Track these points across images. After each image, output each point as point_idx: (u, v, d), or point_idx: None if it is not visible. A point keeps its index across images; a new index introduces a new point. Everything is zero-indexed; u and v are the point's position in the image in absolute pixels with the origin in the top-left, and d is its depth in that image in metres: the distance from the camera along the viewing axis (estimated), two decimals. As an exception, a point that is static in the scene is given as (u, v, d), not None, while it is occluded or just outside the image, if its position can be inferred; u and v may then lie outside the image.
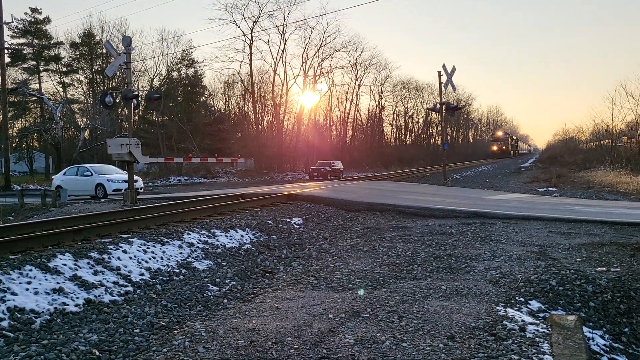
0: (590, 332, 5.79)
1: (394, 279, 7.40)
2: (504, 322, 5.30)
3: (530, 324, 5.32)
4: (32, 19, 60.75)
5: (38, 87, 59.43)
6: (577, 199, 19.81)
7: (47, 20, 61.60)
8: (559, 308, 6.26)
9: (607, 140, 51.98)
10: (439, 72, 28.74)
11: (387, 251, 9.40)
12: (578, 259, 8.23)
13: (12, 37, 58.38)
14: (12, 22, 41.32)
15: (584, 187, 26.99)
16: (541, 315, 5.92)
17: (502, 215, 13.26)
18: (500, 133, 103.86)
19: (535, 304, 6.23)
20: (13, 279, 6.19)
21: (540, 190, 25.91)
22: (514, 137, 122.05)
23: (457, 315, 5.55)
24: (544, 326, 5.28)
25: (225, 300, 6.79)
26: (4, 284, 6.00)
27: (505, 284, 6.91)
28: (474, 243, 9.94)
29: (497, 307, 5.83)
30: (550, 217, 12.66)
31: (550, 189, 26.43)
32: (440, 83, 29.07)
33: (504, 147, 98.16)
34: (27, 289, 6.08)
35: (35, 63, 61.03)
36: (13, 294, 5.87)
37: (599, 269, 7.59)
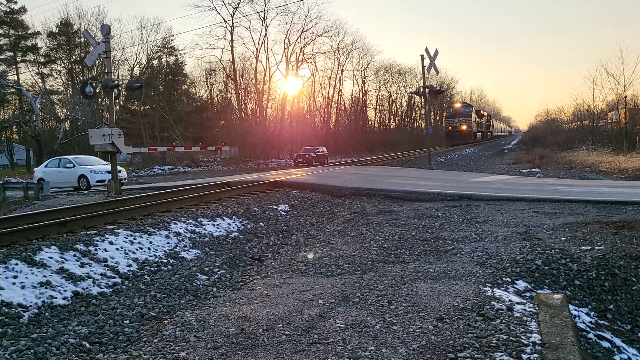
0: (576, 310, 5.88)
1: (382, 263, 7.45)
2: (491, 302, 5.37)
3: (518, 303, 5.40)
4: (8, 9, 59.54)
5: (16, 79, 58.45)
6: (560, 179, 20.05)
7: (23, 10, 60.45)
8: (545, 287, 6.35)
9: (588, 121, 52.57)
10: (422, 56, 28.73)
11: (374, 235, 9.44)
12: (563, 239, 8.35)
13: (-13, 27, 57.22)
14: (-13, 12, 40.37)
15: (566, 168, 27.33)
16: (528, 294, 6.00)
17: (487, 197, 13.38)
18: (458, 105, 68.86)
19: (521, 284, 6.32)
20: (-1, 274, 6.13)
21: (523, 171, 26.18)
22: (485, 113, 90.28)
23: (446, 297, 5.61)
24: (531, 305, 5.36)
25: (215, 289, 6.79)
26: (-11, 279, 5.94)
27: (491, 264, 6.99)
28: (460, 225, 10.03)
29: (485, 288, 5.90)
30: (534, 198, 12.80)
31: (534, 170, 26.72)
32: (423, 67, 29.08)
33: (465, 127, 65.64)
34: (14, 283, 6.02)
35: (12, 54, 59.94)
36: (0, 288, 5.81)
37: (583, 247, 7.70)
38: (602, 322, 5.92)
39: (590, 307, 6.15)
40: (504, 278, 6.39)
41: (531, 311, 5.15)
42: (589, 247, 7.68)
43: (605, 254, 7.28)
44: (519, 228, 9.36)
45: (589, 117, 51.53)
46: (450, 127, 67.20)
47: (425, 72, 29.32)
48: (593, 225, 9.34)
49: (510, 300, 5.48)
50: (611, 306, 6.23)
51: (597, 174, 23.33)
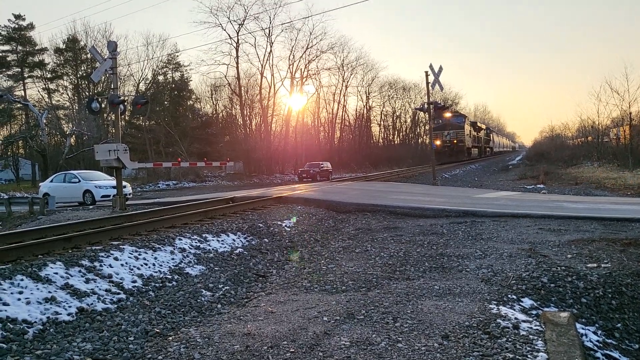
0: (583, 329, 5.84)
1: (387, 280, 7.42)
2: (497, 320, 5.34)
3: (524, 321, 5.37)
4: (16, 26, 60.25)
5: (23, 94, 58.93)
6: (566, 196, 19.99)
7: (31, 26, 61.14)
8: (551, 305, 6.31)
9: (592, 137, 52.52)
10: (426, 72, 28.85)
11: (379, 252, 9.42)
12: (568, 256, 8.31)
13: (-5, 44, 57.85)
14: (-4, 29, 40.88)
15: (571, 184, 27.24)
16: (534, 312, 5.97)
17: (491, 214, 13.34)
18: (448, 115, 55.34)
19: (527, 302, 6.28)
20: (4, 289, 6.13)
21: (528, 187, 26.11)
22: (483, 126, 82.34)
23: (451, 315, 5.58)
24: (537, 323, 5.33)
25: (219, 305, 6.78)
26: (-5, 294, 5.95)
27: (497, 281, 6.96)
28: (465, 242, 10.00)
29: (490, 305, 5.87)
30: (540, 215, 12.76)
31: (539, 186, 26.65)
32: (427, 83, 29.18)
33: (456, 141, 57.73)
34: (19, 299, 6.03)
35: (19, 70, 60.53)
36: (5, 304, 5.82)
37: (589, 265, 7.66)
38: (609, 341, 5.86)
39: (597, 325, 6.10)
40: (509, 295, 6.36)
41: (537, 329, 5.12)
42: (595, 265, 7.64)
43: (612, 272, 7.24)
44: (524, 245, 9.32)
45: (594, 133, 51.49)
46: (438, 142, 54.59)
47: (430, 88, 29.42)
48: (599, 242, 9.29)
49: (516, 318, 5.45)
50: (619, 325, 6.18)
51: (603, 191, 23.25)
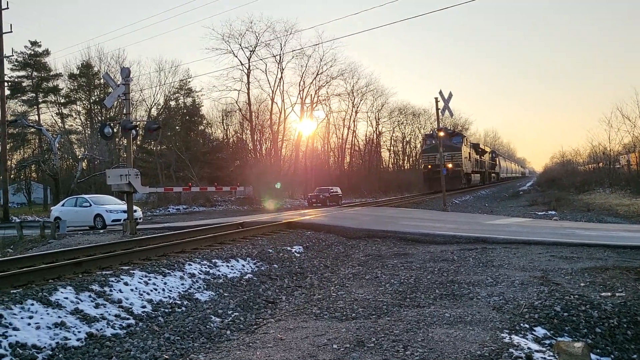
0: (598, 359, 5.74)
1: (397, 307, 7.36)
2: (509, 349, 5.26)
3: (537, 351, 5.29)
4: (32, 52, 61.43)
5: (37, 119, 59.80)
6: (578, 223, 19.81)
7: (47, 52, 62.29)
8: (564, 334, 6.21)
9: (603, 163, 52.24)
10: (436, 98, 28.98)
11: (389, 279, 9.35)
12: (582, 284, 8.20)
13: (12, 69, 58.99)
14: (13, 55, 41.76)
15: (583, 210, 27.00)
16: (547, 342, 5.87)
17: (502, 240, 13.24)
18: (442, 134, 32.59)
19: (540, 331, 6.19)
20: (15, 314, 6.15)
21: (539, 214, 25.92)
22: (488, 149, 72.17)
23: (462, 343, 5.51)
24: (551, 353, 5.24)
25: (229, 332, 6.74)
26: (5, 319, 5.96)
27: (508, 310, 6.88)
28: (475, 269, 9.91)
29: (502, 334, 5.79)
30: (552, 242, 12.64)
31: (550, 212, 26.44)
32: (437, 109, 29.29)
33: (451, 165, 45.90)
34: (29, 324, 6.04)
35: (34, 95, 61.52)
36: (15, 329, 5.83)
37: (603, 294, 7.55)
38: (624, 371, 5.75)
39: (612, 356, 5.98)
40: (521, 324, 6.27)
41: (551, 360, 5.04)
42: (609, 294, 7.53)
43: (627, 301, 7.13)
44: (536, 272, 9.22)
45: (605, 160, 51.23)
46: (429, 166, 47.14)
47: (440, 114, 29.52)
48: (613, 270, 9.17)
49: (529, 348, 5.37)
50: (634, 356, 6.06)
51: (615, 217, 23.02)
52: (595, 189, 42.81)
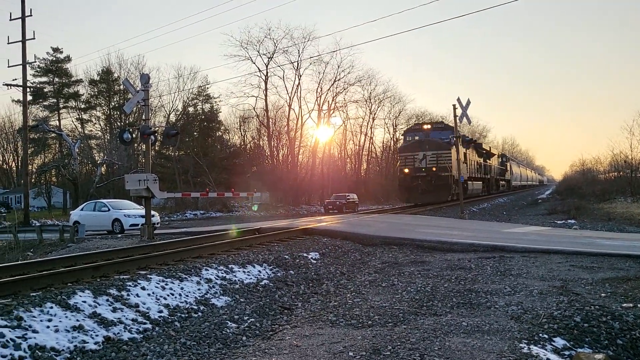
0: (618, 371, 5.64)
1: (414, 315, 7.30)
2: (528, 360, 5.19)
3: (556, 362, 5.20)
4: (54, 58, 62.46)
5: (57, 124, 60.67)
6: (598, 232, 19.53)
7: (68, 59, 63.32)
8: (584, 345, 6.11)
9: (624, 172, 51.46)
10: (454, 106, 28.83)
11: (406, 286, 9.29)
12: (602, 294, 8.07)
13: (34, 75, 60.00)
14: (35, 61, 42.47)
15: (604, 220, 26.61)
16: (567, 353, 5.78)
17: (521, 249, 13.09)
18: (427, 126, 38.00)
19: (559, 341, 6.10)
20: (34, 317, 6.21)
21: (558, 222, 25.61)
22: (496, 152, 59.82)
23: (480, 353, 5.44)
24: (571, 365, 5.16)
25: (244, 338, 6.74)
26: (25, 321, 6.03)
27: (527, 319, 6.79)
28: (493, 277, 9.81)
29: (520, 344, 5.71)
30: (571, 251, 12.47)
31: (569, 221, 26.11)
32: (455, 116, 29.13)
33: (436, 169, 35.12)
34: (48, 327, 6.10)
35: (55, 100, 62.49)
36: (34, 331, 5.89)
37: (625, 305, 7.42)
38: (646, 384, 5.64)
39: (633, 368, 5.87)
40: (540, 334, 6.18)
41: (571, 371, 4.95)
42: (631, 305, 7.40)
43: (648, 312, 7.00)
44: (556, 282, 9.10)
45: (627, 168, 50.46)
46: (405, 170, 36.13)
47: (457, 121, 29.35)
48: (635, 281, 9.01)
49: (548, 359, 5.29)
50: (656, 368, 5.94)
51: (637, 227, 22.63)
52: (616, 197, 42.18)
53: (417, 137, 36.89)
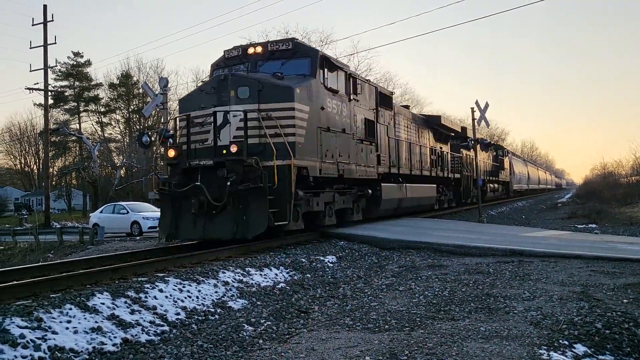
0: (641, 379, 5.53)
1: (431, 320, 7.25)
2: (548, 367, 5.11)
3: (577, 369, 5.12)
4: (74, 62, 63.42)
5: (78, 127, 61.53)
6: (620, 237, 19.21)
7: (88, 63, 64.26)
8: (606, 353, 6.01)
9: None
10: (472, 109, 28.59)
11: (423, 291, 9.23)
12: (625, 301, 7.93)
13: (55, 79, 60.94)
14: (56, 65, 43.16)
15: (626, 224, 26.18)
16: None
17: (540, 254, 12.94)
18: (257, 49, 14.10)
19: (580, 348, 6.00)
20: (54, 318, 6.29)
21: (579, 227, 25.27)
22: (489, 140, 46.86)
23: (498, 359, 5.38)
24: (592, 372, 5.07)
25: (261, 341, 6.74)
26: (45, 322, 6.10)
27: (547, 325, 6.69)
28: (512, 282, 9.70)
29: (540, 351, 5.64)
30: (592, 256, 12.28)
31: (590, 225, 25.74)
32: (473, 119, 28.91)
33: (237, 149, 12.06)
34: (67, 328, 6.16)
35: (75, 104, 63.41)
36: (54, 332, 5.96)
37: (647, 311, 7.29)
38: (670, 393, 5.52)
39: (656, 376, 5.76)
40: (560, 341, 6.09)
41: (592, 378, 4.87)
42: (653, 311, 7.26)
43: (672, 319, 6.86)
44: (576, 287, 8.96)
45: (649, 172, 49.60)
46: (170, 153, 13.13)
47: (475, 124, 29.14)
48: (657, 287, 8.85)
49: (568, 366, 5.20)
50: (680, 376, 5.82)
51: (659, 232, 22.25)
52: (638, 202, 41.52)
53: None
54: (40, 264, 11.49)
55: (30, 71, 35.53)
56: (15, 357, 5.34)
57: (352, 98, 16.47)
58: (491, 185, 41.66)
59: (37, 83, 36.01)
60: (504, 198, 48.83)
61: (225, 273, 9.65)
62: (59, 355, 5.59)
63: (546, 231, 21.29)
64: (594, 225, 25.51)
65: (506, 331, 6.44)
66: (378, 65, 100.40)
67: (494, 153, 44.67)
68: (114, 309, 7.03)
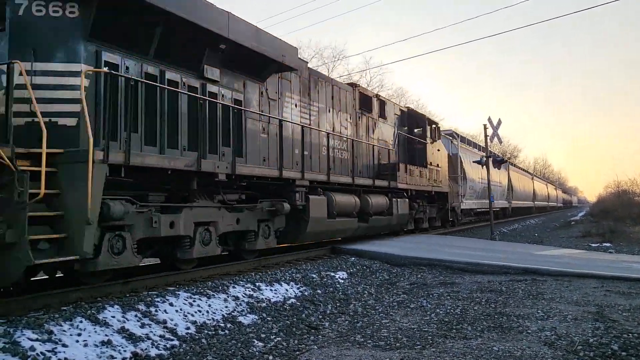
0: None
1: (443, 338, 7.16)
2: (563, 389, 5.02)
3: (592, 391, 5.02)
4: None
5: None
6: (636, 256, 18.95)
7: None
8: (622, 375, 5.89)
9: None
10: (484, 125, 28.44)
11: (435, 308, 9.14)
12: (640, 321, 7.78)
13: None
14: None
15: (641, 243, 25.82)
16: (603, 382, 5.58)
17: (554, 272, 12.79)
18: None
19: (595, 370, 5.89)
20: (64, 331, 6.29)
21: (593, 245, 24.95)
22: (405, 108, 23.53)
23: (512, 380, 5.29)
24: (608, 395, 4.97)
25: (271, 357, 6.69)
26: (55, 335, 6.10)
27: (561, 346, 6.59)
28: (525, 301, 9.58)
29: (555, 372, 5.53)
30: (607, 276, 12.11)
31: (605, 244, 25.41)
32: (485, 136, 28.78)
33: None
34: (77, 341, 6.15)
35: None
36: (64, 345, 5.95)
37: (664, 332, 7.15)
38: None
39: (674, 400, 5.62)
40: (575, 362, 5.98)
41: (608, 401, 4.77)
42: (670, 333, 7.12)
43: (690, 341, 6.72)
44: (591, 307, 8.83)
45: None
46: None
47: (488, 141, 29.00)
48: (674, 308, 8.68)
49: (583, 388, 5.10)
50: (699, 400, 5.68)
51: (676, 252, 21.89)
52: (653, 221, 40.98)
53: None
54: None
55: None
56: (25, 369, 5.33)
57: None
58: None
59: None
60: (440, 228, 26.95)
61: (235, 288, 9.62)
62: (68, 368, 5.58)
63: (560, 249, 21.06)
64: (608, 244, 25.18)
65: (520, 351, 6.35)
66: (390, 81, 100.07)
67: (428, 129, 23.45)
68: (124, 322, 7.02)
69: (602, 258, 17.25)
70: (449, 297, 10.13)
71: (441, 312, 8.84)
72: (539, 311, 8.61)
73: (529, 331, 7.38)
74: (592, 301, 9.37)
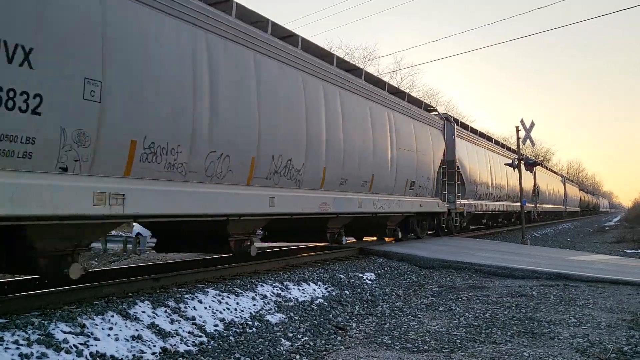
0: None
1: (471, 342, 7.08)
2: (596, 397, 4.90)
3: (626, 401, 4.89)
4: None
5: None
6: (671, 263, 18.41)
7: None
8: (658, 385, 5.73)
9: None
10: (517, 127, 28.01)
11: (463, 312, 9.04)
12: (677, 330, 7.56)
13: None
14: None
15: (677, 250, 25.11)
16: (637, 391, 5.43)
17: (587, 278, 12.51)
18: None
19: (630, 379, 5.74)
20: (96, 324, 6.41)
21: (628, 251, 24.35)
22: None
23: (543, 387, 5.19)
24: (642, 405, 4.84)
25: (298, 356, 6.71)
26: (87, 328, 6.22)
27: (594, 353, 6.44)
28: (557, 307, 9.39)
29: (587, 380, 5.42)
30: (643, 282, 11.80)
31: (640, 250, 24.78)
32: (517, 138, 28.33)
33: None
34: (109, 335, 6.27)
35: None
36: (96, 339, 6.06)
37: (702, 342, 6.93)
38: None
39: None
40: (609, 370, 5.84)
41: (643, 412, 4.64)
42: None
43: None
44: (625, 315, 8.61)
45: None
46: None
47: (520, 143, 28.55)
48: None
49: (617, 397, 4.98)
50: None
51: None
52: (691, 227, 39.79)
53: None
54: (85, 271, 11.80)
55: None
56: (59, 361, 5.44)
57: None
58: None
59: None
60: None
61: (263, 286, 9.67)
62: (100, 361, 5.68)
63: (593, 255, 20.61)
64: (644, 251, 24.55)
65: (551, 357, 6.23)
66: (421, 82, 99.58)
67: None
68: (154, 317, 7.12)
69: (638, 264, 16.81)
70: (478, 301, 10.00)
71: (470, 315, 8.74)
72: (571, 317, 8.43)
73: (561, 337, 7.24)
74: (626, 308, 9.14)
